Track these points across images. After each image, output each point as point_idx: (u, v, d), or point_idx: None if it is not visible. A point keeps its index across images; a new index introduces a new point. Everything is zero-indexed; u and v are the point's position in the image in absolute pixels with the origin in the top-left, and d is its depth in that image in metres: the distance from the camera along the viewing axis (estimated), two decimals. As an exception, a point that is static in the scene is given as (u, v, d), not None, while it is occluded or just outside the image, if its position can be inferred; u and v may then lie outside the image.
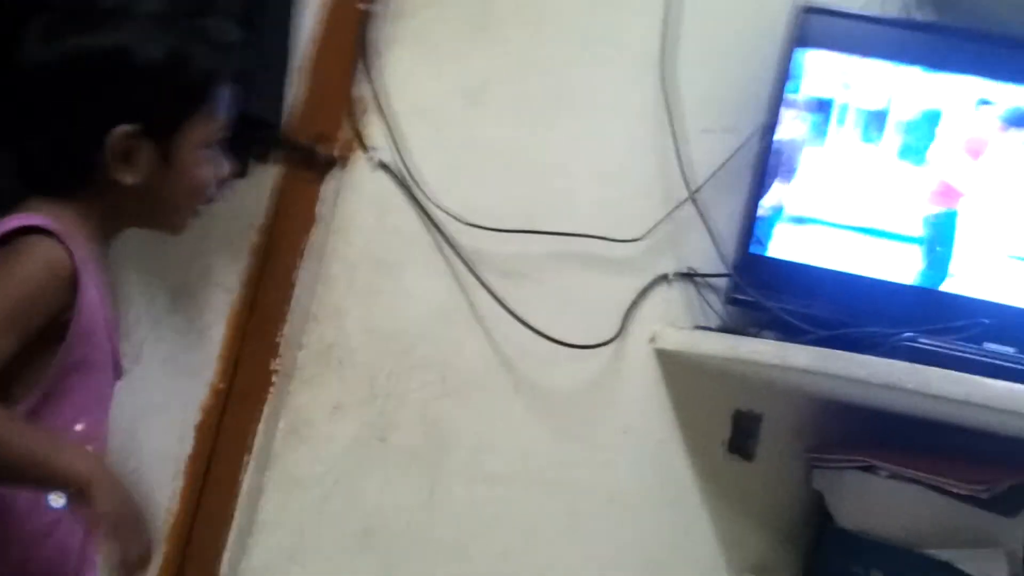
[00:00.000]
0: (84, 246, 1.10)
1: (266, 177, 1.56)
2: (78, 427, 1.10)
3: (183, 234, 1.25)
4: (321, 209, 1.60)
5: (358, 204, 1.65)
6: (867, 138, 1.68)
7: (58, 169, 1.13)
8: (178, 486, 1.53)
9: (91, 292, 1.09)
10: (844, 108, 1.68)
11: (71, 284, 1.07)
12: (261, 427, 1.58)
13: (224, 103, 1.19)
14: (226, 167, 1.22)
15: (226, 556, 1.56)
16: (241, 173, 1.53)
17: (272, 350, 1.58)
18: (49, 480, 1.02)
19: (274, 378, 1.58)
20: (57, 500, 1.05)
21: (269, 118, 1.48)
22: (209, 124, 1.17)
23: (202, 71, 1.15)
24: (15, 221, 1.07)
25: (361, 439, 1.64)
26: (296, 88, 1.57)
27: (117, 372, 1.18)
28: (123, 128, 1.11)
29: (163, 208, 1.19)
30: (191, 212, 1.22)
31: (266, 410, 1.58)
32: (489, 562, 1.68)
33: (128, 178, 1.13)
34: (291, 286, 1.58)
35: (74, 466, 1.02)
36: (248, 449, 1.57)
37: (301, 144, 1.58)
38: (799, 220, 1.68)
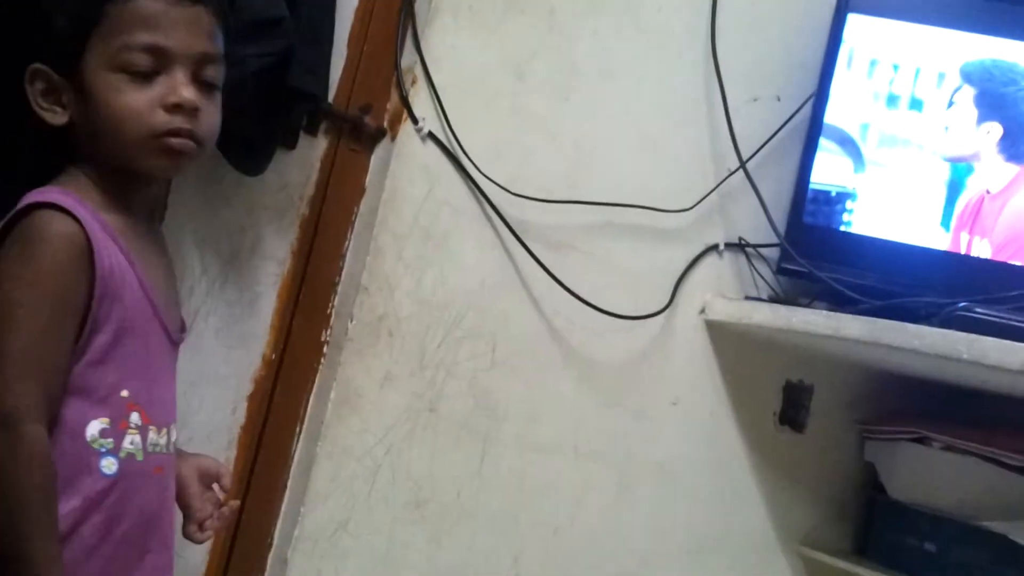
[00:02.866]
0: (95, 213, 1.09)
1: (314, 149, 1.57)
2: (123, 392, 1.10)
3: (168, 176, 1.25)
4: (370, 180, 1.61)
5: (407, 175, 1.65)
6: (919, 105, 1.65)
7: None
8: (231, 456, 1.55)
9: (106, 259, 1.08)
10: (896, 75, 1.65)
11: (90, 252, 1.07)
12: (312, 398, 1.59)
13: (129, 21, 1.09)
14: (182, 92, 1.09)
15: (278, 526, 1.58)
16: (290, 145, 1.54)
17: (323, 321, 1.59)
18: (12, 558, 0.99)
19: (325, 349, 1.60)
20: (110, 467, 1.08)
21: (316, 90, 1.48)
22: (109, 46, 1.09)
23: None
24: (26, 199, 1.07)
25: (411, 410, 1.65)
26: (343, 59, 1.57)
27: (170, 335, 1.18)
28: (30, 68, 1.10)
29: (110, 145, 1.11)
30: (145, 143, 1.10)
31: (317, 381, 1.60)
32: (538, 532, 1.69)
33: (54, 119, 1.11)
34: (341, 257, 1.59)
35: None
36: (299, 420, 1.59)
37: (349, 115, 1.58)
38: (850, 189, 1.66)
